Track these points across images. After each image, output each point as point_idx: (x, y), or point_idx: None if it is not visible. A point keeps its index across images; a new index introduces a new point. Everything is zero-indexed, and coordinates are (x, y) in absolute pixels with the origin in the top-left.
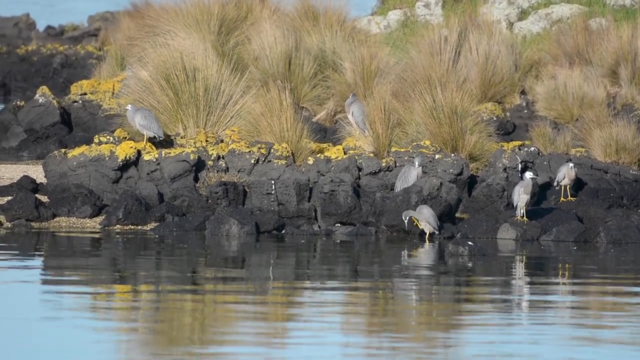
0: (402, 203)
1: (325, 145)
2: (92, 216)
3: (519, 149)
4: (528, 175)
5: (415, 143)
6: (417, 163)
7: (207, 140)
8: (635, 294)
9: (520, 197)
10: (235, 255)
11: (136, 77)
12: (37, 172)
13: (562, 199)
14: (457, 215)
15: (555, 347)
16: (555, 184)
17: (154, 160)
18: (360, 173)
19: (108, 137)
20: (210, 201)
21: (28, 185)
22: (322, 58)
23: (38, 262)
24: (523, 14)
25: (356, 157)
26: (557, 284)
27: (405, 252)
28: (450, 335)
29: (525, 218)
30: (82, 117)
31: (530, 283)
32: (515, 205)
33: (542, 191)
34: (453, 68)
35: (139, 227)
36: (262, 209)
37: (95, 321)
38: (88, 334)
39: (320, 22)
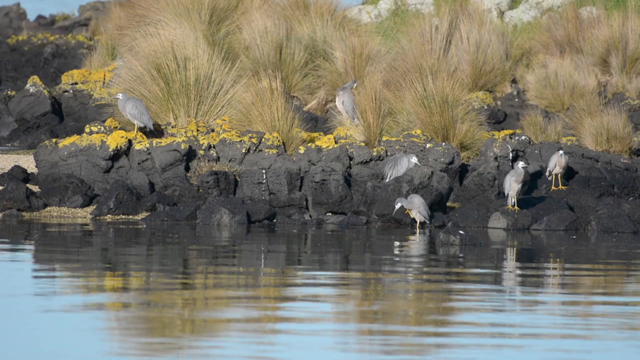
0: (393, 192)
1: (316, 134)
2: (83, 206)
3: (510, 138)
4: (519, 164)
5: (406, 132)
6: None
7: (198, 130)
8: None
9: (512, 186)
10: (227, 244)
11: (127, 67)
12: (28, 162)
13: (553, 187)
14: (448, 204)
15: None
16: (547, 173)
17: (145, 149)
18: (351, 162)
19: (99, 126)
20: (201, 191)
21: (19, 175)
22: (313, 47)
23: (29, 252)
24: (514, 3)
25: (347, 147)
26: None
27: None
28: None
29: (516, 207)
30: (73, 107)
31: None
32: (506, 194)
33: (533, 180)
34: (444, 57)
35: (130, 216)
36: (253, 199)
37: (89, 316)
38: (81, 331)
39: (311, 12)
